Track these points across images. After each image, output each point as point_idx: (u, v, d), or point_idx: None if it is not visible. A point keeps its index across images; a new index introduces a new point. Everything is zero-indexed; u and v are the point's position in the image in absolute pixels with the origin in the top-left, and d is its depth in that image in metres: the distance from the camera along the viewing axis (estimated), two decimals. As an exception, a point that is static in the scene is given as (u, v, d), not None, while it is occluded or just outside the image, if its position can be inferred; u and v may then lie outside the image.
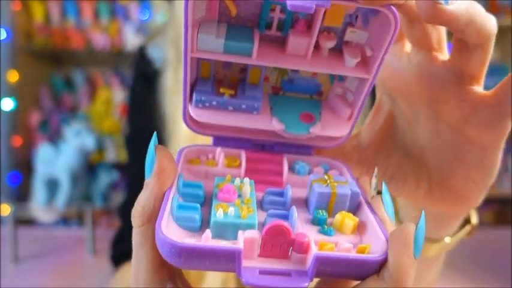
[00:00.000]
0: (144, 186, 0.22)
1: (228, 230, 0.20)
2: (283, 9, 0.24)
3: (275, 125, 0.26)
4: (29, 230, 1.09)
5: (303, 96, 0.28)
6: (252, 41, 0.23)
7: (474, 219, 0.38)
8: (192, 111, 0.26)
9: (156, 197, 0.21)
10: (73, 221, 1.98)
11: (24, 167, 1.91)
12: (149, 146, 0.22)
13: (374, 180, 0.24)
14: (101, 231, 0.96)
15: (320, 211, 0.22)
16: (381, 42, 0.23)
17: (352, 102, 0.27)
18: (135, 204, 0.21)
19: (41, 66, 2.08)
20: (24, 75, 1.92)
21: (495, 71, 2.52)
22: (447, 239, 0.36)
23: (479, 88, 0.27)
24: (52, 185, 0.87)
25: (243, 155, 0.27)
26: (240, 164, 0.26)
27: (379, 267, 0.19)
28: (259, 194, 0.24)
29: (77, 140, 0.86)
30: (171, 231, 0.19)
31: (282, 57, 0.24)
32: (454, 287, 0.69)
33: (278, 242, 0.19)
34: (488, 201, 2.18)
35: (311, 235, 0.20)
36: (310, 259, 0.18)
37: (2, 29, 1.85)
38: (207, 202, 0.23)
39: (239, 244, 0.18)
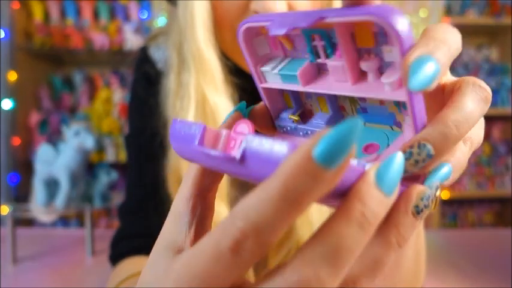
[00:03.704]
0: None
1: None
2: (322, 37, 0.24)
3: None
4: (28, 230, 1.09)
5: (384, 127, 0.26)
6: (298, 70, 0.25)
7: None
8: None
9: None
10: (72, 221, 1.98)
11: (23, 167, 1.91)
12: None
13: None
14: (101, 232, 0.96)
15: None
16: None
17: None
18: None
19: (40, 66, 2.08)
20: (23, 75, 1.92)
21: (495, 71, 2.51)
22: None
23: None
24: (51, 185, 0.87)
25: None
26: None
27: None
28: None
29: (76, 140, 0.86)
30: None
31: (326, 83, 0.25)
32: (454, 287, 0.69)
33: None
34: (488, 201, 2.18)
35: None
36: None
37: (0, 29, 1.84)
38: None
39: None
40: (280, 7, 0.48)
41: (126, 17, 2.05)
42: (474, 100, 0.21)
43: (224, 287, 0.17)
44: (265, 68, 0.27)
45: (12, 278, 0.73)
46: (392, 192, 0.17)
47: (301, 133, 0.28)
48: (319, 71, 0.26)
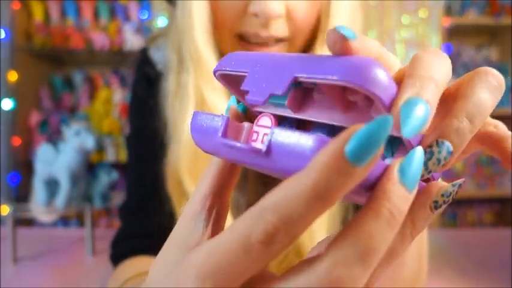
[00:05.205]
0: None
1: None
2: None
3: None
4: (28, 230, 1.09)
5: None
6: (286, 100, 0.23)
7: None
8: None
9: None
10: (72, 221, 1.98)
11: (23, 167, 1.91)
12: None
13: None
14: (101, 232, 0.96)
15: None
16: None
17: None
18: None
19: (41, 66, 2.08)
20: (23, 75, 1.92)
21: (495, 71, 2.49)
22: None
23: None
24: (52, 185, 0.87)
25: None
26: None
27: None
28: None
29: (76, 139, 0.86)
30: None
31: (317, 110, 0.24)
32: (454, 287, 0.69)
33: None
34: (488, 201, 2.18)
35: None
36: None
37: (1, 29, 1.84)
38: None
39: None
40: (278, 8, 0.48)
41: (126, 17, 2.05)
42: (485, 89, 0.21)
43: (247, 277, 0.17)
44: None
45: (12, 278, 0.73)
46: (414, 188, 0.18)
47: None
48: (308, 93, 0.24)
